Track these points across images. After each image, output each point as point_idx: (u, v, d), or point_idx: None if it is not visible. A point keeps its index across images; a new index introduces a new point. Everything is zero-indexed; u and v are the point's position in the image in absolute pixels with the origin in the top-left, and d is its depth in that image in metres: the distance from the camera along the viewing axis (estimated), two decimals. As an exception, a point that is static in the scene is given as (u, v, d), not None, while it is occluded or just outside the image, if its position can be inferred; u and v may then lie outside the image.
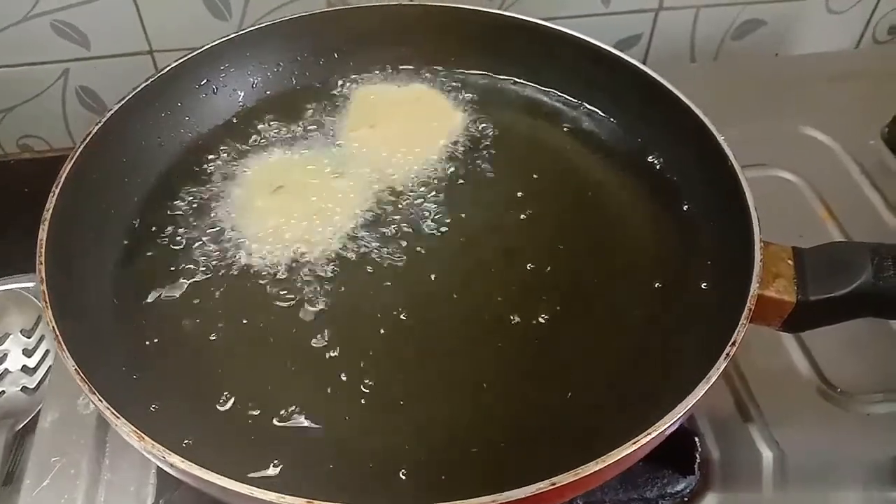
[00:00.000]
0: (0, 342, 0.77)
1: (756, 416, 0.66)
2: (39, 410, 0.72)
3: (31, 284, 0.81)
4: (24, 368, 0.76)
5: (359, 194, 0.72)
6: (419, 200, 0.72)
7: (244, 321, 0.63)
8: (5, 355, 0.77)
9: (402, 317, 0.64)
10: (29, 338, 0.78)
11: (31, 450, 0.67)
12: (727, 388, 0.66)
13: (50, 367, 0.76)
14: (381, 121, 0.79)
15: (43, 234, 0.59)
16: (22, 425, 0.73)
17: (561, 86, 0.81)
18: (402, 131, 0.78)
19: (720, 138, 0.66)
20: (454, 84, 0.83)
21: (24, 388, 0.75)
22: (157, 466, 0.64)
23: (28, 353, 0.77)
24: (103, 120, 0.69)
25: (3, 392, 0.75)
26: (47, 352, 0.77)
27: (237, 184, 0.73)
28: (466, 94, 0.81)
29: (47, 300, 0.55)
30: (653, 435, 0.48)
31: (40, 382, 0.76)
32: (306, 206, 0.71)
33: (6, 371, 0.76)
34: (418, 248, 0.68)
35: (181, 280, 0.66)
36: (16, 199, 0.98)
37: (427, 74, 0.83)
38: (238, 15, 0.95)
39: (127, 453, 0.66)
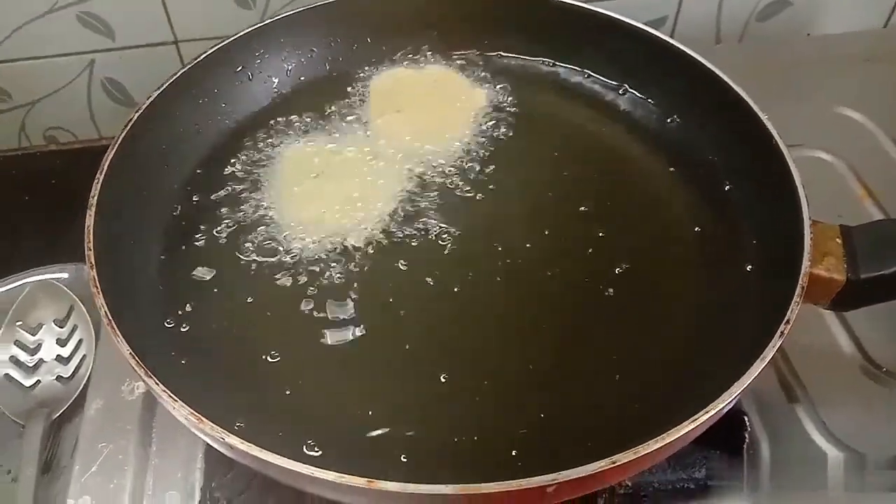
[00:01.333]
0: (34, 332, 0.77)
1: (801, 396, 0.66)
2: (75, 399, 0.73)
3: (61, 275, 0.81)
4: (59, 358, 0.76)
5: (394, 178, 0.72)
6: (454, 182, 0.72)
7: (287, 305, 0.63)
8: (39, 345, 0.77)
9: (449, 298, 0.64)
10: (62, 327, 0.78)
11: (78, 437, 0.67)
12: (771, 367, 0.65)
13: (84, 356, 0.76)
14: (408, 105, 0.79)
15: (90, 221, 0.59)
16: (58, 414, 0.73)
17: (595, 67, 0.80)
18: (430, 114, 0.78)
19: (764, 117, 0.65)
20: (485, 66, 0.82)
21: (59, 378, 0.75)
22: (205, 451, 0.65)
23: (62, 342, 0.77)
24: (143, 107, 0.69)
25: (39, 382, 0.75)
26: (81, 341, 0.77)
27: (275, 170, 0.73)
28: (497, 76, 0.81)
29: (98, 286, 0.55)
30: (711, 413, 0.49)
31: (75, 371, 0.76)
32: (345, 192, 0.71)
33: (41, 361, 0.76)
34: (457, 229, 0.68)
35: (223, 265, 0.66)
36: (42, 191, 0.99)
37: (457, 57, 0.82)
38: (262, 3, 0.94)
39: (174, 439, 0.66)
